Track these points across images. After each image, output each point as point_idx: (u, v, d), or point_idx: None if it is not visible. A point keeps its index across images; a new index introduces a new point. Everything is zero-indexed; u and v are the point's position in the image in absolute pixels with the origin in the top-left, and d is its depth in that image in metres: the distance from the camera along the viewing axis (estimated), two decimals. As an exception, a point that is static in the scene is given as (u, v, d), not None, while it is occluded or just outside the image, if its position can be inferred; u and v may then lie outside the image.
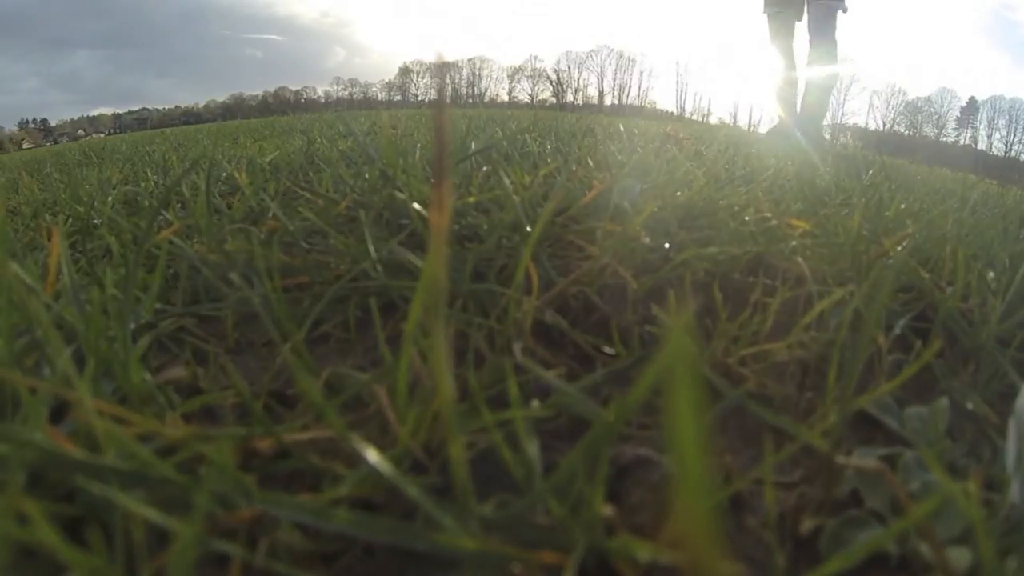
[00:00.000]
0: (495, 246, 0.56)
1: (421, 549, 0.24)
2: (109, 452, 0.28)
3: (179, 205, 0.90)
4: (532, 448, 0.29)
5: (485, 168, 0.84)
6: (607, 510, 0.27)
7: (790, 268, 0.58)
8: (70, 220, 0.90)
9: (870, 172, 1.38)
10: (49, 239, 0.70)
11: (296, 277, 0.55)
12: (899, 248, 0.61)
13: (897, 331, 0.51)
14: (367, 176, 0.77)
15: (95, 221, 0.89)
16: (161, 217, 0.74)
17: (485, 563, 0.24)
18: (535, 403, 0.32)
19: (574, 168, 0.84)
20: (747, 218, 0.69)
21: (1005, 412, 0.42)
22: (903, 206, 0.86)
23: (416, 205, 0.62)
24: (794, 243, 0.61)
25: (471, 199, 0.67)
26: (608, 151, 1.09)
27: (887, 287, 0.46)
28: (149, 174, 1.48)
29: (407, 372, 0.31)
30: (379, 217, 0.66)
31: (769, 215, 0.68)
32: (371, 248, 0.52)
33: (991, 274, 0.64)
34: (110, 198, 1.02)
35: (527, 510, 0.26)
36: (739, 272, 0.58)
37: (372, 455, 0.27)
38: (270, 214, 0.70)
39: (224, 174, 1.10)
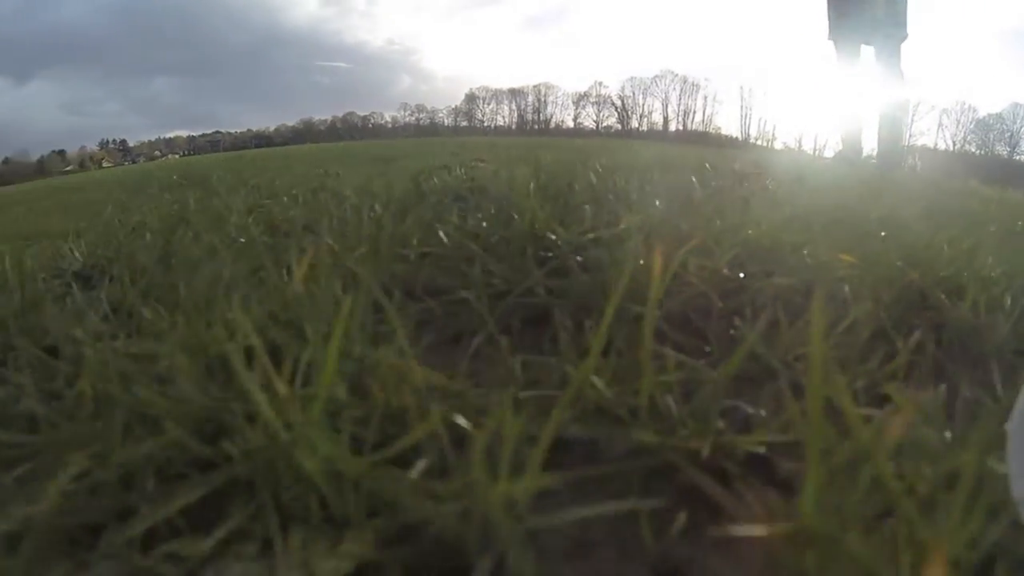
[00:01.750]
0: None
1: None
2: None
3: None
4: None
5: (588, 207, 1.06)
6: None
7: (836, 292, 0.77)
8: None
9: (923, 204, 1.53)
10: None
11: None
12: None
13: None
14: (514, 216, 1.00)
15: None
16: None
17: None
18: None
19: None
20: (804, 252, 0.89)
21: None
22: (945, 247, 1.02)
23: (552, 235, 0.84)
24: (841, 273, 0.80)
25: (590, 235, 0.89)
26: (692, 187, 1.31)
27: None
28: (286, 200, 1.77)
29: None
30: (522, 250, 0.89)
31: (823, 250, 0.87)
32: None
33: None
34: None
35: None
36: (798, 296, 0.77)
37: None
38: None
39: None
